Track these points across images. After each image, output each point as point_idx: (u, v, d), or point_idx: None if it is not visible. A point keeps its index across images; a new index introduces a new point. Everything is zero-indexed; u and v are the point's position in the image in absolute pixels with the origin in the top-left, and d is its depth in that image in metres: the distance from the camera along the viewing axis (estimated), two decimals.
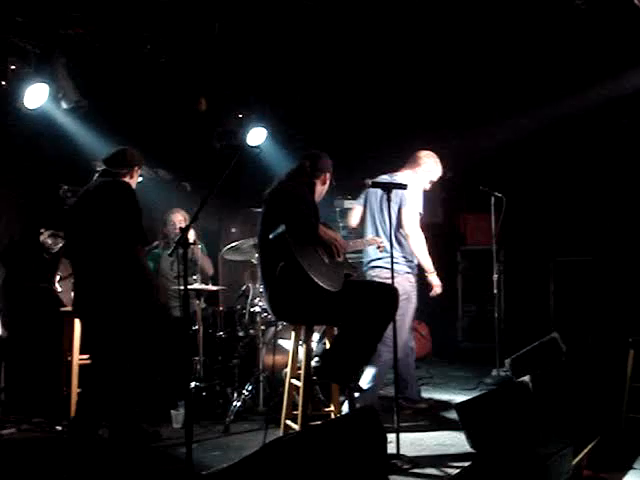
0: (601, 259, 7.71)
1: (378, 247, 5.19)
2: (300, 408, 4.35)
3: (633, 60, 6.65)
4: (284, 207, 4.37)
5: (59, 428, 5.31)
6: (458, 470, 4.07)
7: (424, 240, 5.57)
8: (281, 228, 4.24)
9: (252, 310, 6.01)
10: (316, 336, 5.50)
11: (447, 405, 6.02)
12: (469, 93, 7.78)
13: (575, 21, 6.22)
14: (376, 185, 4.79)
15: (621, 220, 7.67)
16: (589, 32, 6.39)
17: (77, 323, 5.35)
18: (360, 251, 5.81)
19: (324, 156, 4.79)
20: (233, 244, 5.87)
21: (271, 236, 4.31)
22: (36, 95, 5.61)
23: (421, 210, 5.60)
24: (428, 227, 5.98)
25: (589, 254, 7.81)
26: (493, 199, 6.97)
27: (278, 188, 4.59)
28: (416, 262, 5.66)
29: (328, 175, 4.76)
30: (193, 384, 5.66)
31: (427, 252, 5.61)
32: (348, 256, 4.83)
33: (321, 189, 4.77)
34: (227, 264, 7.44)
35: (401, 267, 5.49)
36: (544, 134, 7.87)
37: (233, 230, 7.51)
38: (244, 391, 5.63)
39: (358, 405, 4.93)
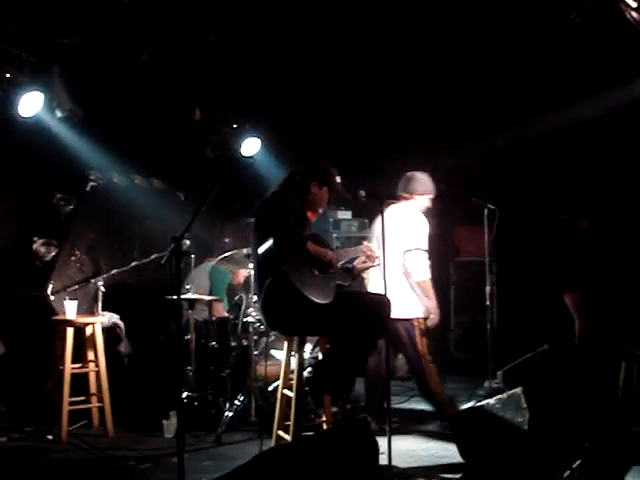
0: (594, 271, 7.72)
1: (369, 256, 4.81)
2: (292, 419, 4.35)
3: (627, 73, 6.69)
4: (272, 220, 4.32)
5: (50, 437, 5.29)
6: None
7: None
8: (270, 242, 4.24)
9: (245, 320, 5.98)
10: (309, 347, 5.48)
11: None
12: (462, 106, 7.82)
13: (569, 35, 6.27)
14: (370, 196, 4.64)
15: (613, 232, 7.68)
16: (583, 45, 6.44)
17: (69, 332, 5.36)
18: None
19: (315, 164, 4.72)
20: (226, 254, 5.87)
21: (260, 251, 4.31)
22: (31, 103, 5.61)
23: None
24: None
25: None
26: (486, 211, 6.98)
27: (267, 200, 4.57)
28: None
29: (317, 182, 4.60)
30: (185, 394, 5.65)
31: None
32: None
33: (313, 197, 4.62)
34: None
35: None
36: (538, 146, 7.90)
37: (226, 240, 7.49)
38: (236, 401, 5.61)
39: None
